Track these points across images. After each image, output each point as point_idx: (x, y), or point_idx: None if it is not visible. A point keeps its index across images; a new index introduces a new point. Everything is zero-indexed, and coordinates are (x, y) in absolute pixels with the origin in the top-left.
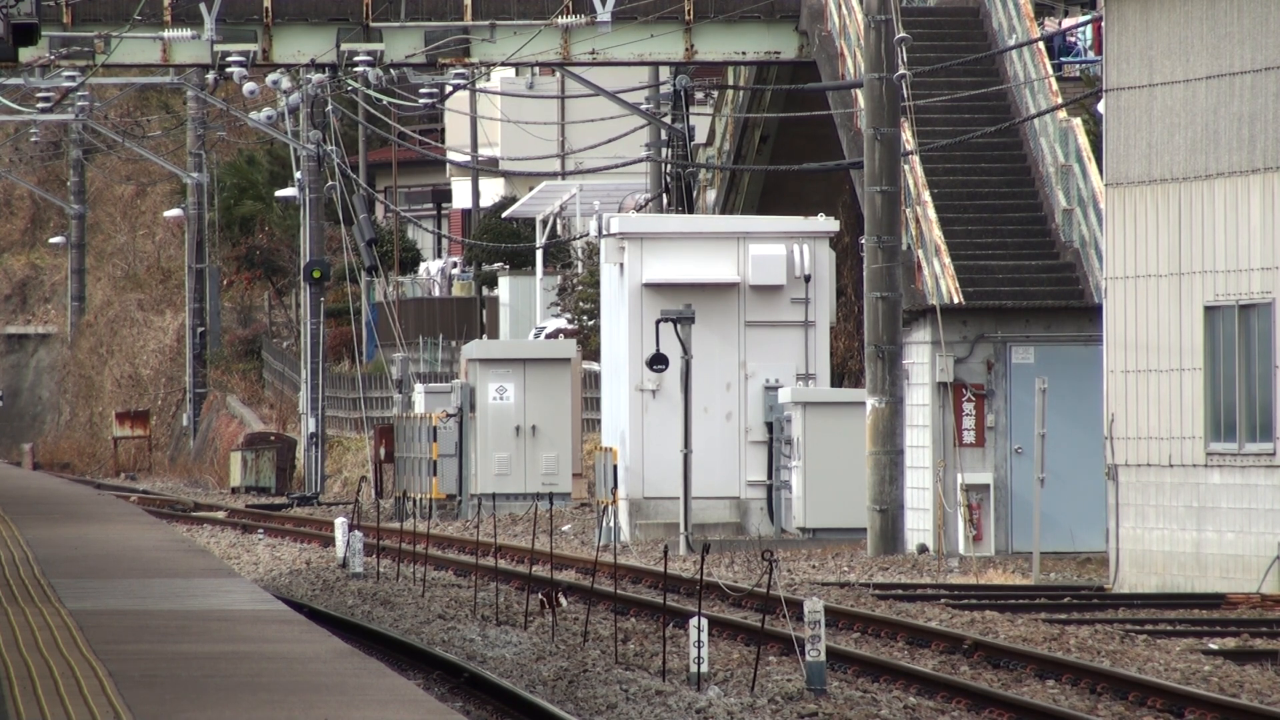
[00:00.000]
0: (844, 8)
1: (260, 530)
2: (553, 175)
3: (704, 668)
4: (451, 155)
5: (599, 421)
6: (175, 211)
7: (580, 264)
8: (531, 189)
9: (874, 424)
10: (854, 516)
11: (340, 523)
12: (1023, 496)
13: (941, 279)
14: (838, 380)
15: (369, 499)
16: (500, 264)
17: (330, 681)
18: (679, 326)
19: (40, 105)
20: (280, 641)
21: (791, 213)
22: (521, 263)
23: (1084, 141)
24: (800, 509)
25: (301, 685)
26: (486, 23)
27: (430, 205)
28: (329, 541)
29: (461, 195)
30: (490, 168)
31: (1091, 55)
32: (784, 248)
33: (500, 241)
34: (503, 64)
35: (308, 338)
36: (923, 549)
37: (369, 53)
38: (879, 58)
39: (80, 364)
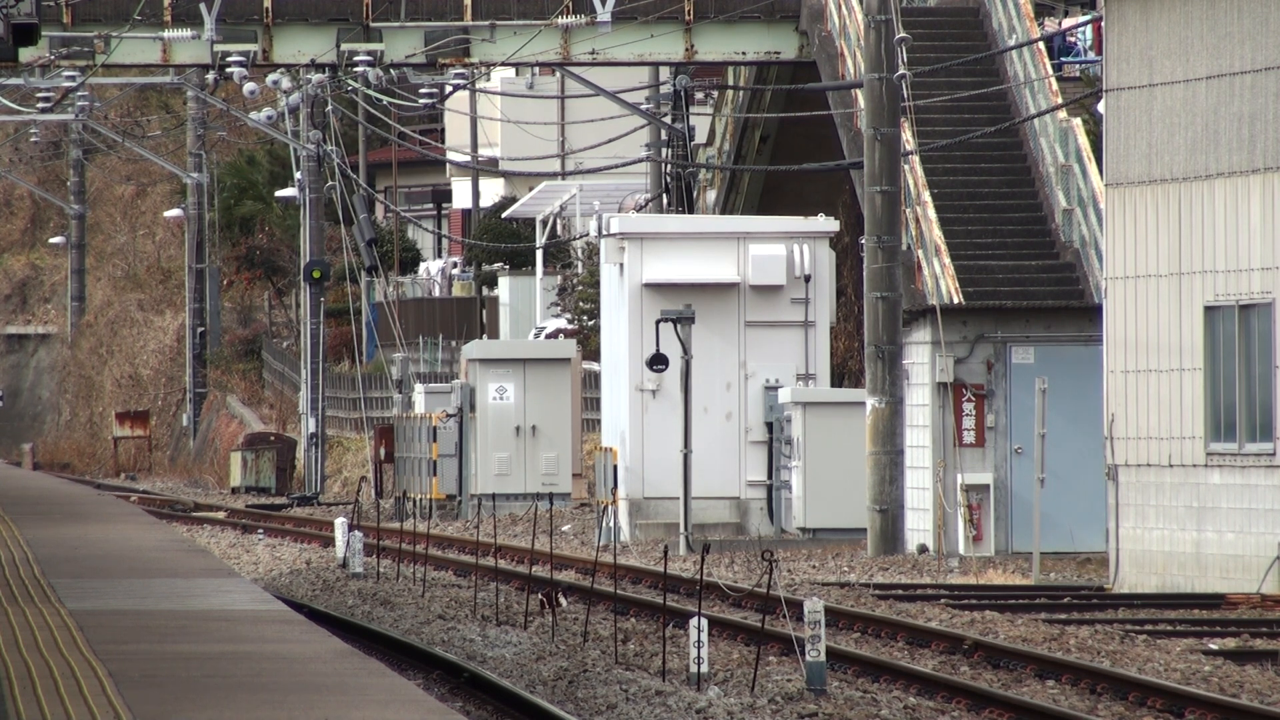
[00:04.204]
0: (844, 8)
1: (260, 530)
2: (553, 175)
3: (704, 668)
4: (451, 155)
5: (599, 421)
6: (175, 211)
7: (580, 264)
8: (531, 189)
9: (874, 424)
10: (854, 516)
11: (340, 523)
12: (1023, 496)
13: (941, 279)
14: (838, 380)
15: (369, 499)
16: (500, 264)
17: (330, 681)
18: (679, 326)
19: (40, 105)
20: (280, 641)
21: (791, 213)
22: (521, 263)
23: (1084, 141)
24: (800, 509)
25: (301, 685)
26: (486, 23)
27: (430, 205)
28: (329, 541)
29: (461, 195)
30: (490, 168)
31: (1091, 55)
32: (784, 248)
33: (500, 241)
34: (503, 64)
35: (308, 338)
36: (923, 549)
37: (369, 53)
38: (879, 58)
39: (80, 364)
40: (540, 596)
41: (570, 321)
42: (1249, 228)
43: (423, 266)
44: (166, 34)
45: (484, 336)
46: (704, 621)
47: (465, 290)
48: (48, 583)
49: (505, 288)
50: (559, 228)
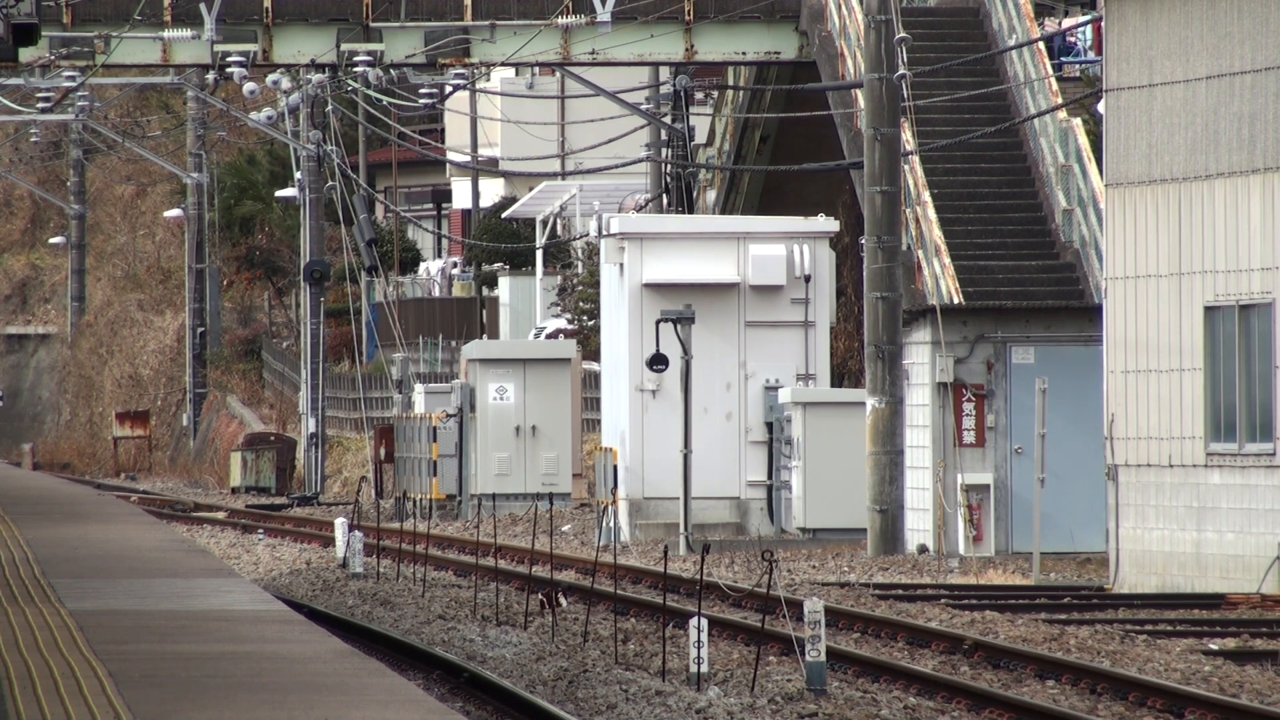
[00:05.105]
0: (844, 8)
1: (260, 530)
2: (553, 175)
3: (704, 668)
4: (451, 155)
5: (599, 421)
6: (175, 211)
7: (580, 264)
8: (531, 189)
9: (874, 424)
10: (854, 516)
11: (340, 523)
12: (1023, 496)
13: (941, 279)
14: (838, 380)
15: (369, 499)
16: (500, 264)
17: (330, 681)
18: (679, 326)
19: (40, 105)
20: (280, 641)
21: (791, 213)
22: (521, 263)
23: (1084, 141)
24: (800, 509)
25: (301, 685)
26: (486, 23)
27: (430, 205)
28: (329, 541)
29: (461, 195)
30: (490, 168)
31: (1091, 55)
32: (784, 248)
33: (500, 241)
34: (503, 64)
35: (308, 338)
36: (923, 549)
37: (369, 53)
38: (879, 58)
39: (80, 364)
40: (540, 596)
41: (570, 321)
42: (1249, 228)
43: (423, 266)
44: (166, 34)
45: (484, 336)
46: (704, 621)
47: (465, 290)
48: (48, 583)
49: (505, 288)
50: (559, 228)
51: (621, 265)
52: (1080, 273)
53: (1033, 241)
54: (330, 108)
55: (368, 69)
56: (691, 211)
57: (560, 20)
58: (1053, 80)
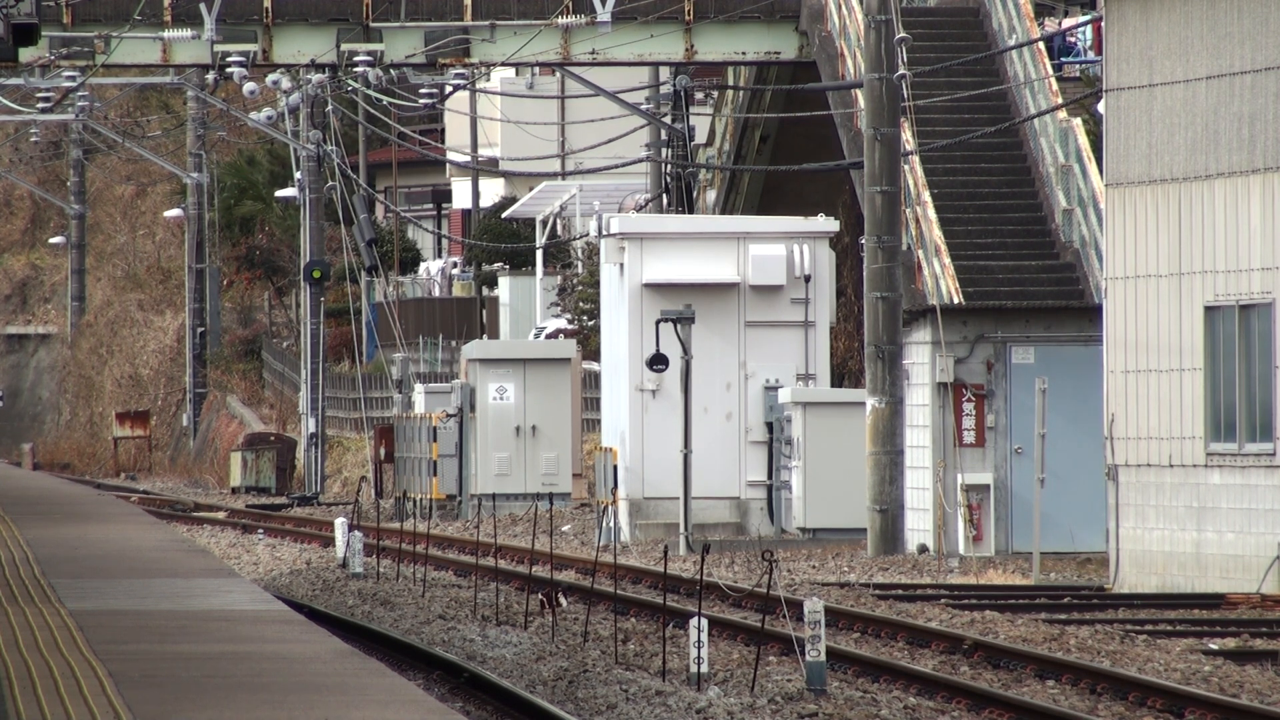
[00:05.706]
0: (844, 8)
1: (260, 530)
2: (553, 175)
3: (704, 668)
4: (451, 155)
5: (599, 421)
6: (175, 211)
7: (580, 264)
8: (531, 189)
9: (874, 424)
10: (854, 516)
11: (340, 523)
12: (1023, 496)
13: (941, 279)
14: (838, 380)
15: (369, 499)
16: (500, 264)
17: (330, 681)
18: (679, 326)
19: (40, 105)
20: (280, 641)
21: (791, 213)
22: (521, 263)
23: (1084, 141)
24: (800, 509)
25: (301, 685)
26: (486, 23)
27: (430, 205)
28: (329, 541)
29: (461, 195)
30: (490, 168)
31: (1091, 55)
32: (784, 248)
33: (500, 241)
34: (503, 64)
35: (308, 338)
36: (923, 549)
37: (369, 53)
38: (879, 58)
39: (80, 364)
40: (540, 596)
41: (570, 321)
42: (1249, 228)
43: (423, 266)
44: (166, 34)
45: (484, 336)
46: (704, 621)
47: (465, 290)
48: (48, 583)
49: (505, 288)
50: (559, 228)
51: (621, 265)
52: (1080, 273)
53: (1033, 241)
54: (330, 108)
55: (368, 69)
56: (691, 211)
57: (560, 20)
58: (1053, 80)
